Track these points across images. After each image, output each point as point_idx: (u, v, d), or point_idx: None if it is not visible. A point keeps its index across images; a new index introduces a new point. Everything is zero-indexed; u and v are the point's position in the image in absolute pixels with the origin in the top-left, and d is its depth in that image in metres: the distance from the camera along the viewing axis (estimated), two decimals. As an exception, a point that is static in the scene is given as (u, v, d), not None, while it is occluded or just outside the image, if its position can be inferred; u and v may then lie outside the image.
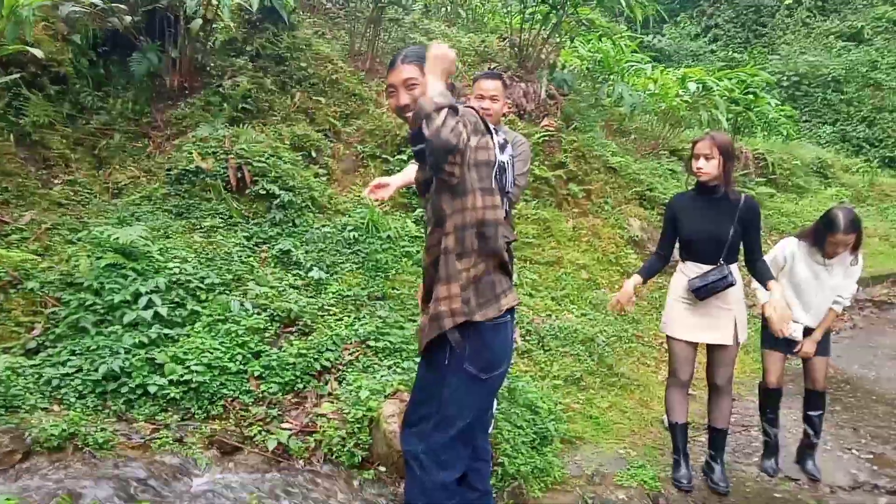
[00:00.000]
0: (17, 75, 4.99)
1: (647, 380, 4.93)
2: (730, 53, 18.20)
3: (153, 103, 6.19)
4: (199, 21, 5.81)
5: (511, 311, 2.38)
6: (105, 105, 5.91)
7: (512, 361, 4.62)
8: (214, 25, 6.28)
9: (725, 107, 9.61)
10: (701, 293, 3.47)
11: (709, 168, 3.41)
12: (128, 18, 5.78)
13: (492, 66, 7.55)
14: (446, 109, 2.03)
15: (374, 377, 3.73)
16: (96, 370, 3.56)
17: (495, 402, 2.99)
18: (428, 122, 2.02)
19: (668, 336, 3.66)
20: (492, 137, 2.32)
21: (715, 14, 19.24)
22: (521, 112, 7.06)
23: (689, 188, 3.74)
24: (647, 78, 9.30)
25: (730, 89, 9.98)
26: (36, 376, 3.54)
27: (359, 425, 3.33)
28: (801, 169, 12.24)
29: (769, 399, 3.92)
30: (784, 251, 3.86)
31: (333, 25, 7.71)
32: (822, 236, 3.59)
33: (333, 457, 3.27)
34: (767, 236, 9.50)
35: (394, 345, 4.11)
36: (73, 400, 3.47)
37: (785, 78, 16.62)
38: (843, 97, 16.57)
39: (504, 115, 3.80)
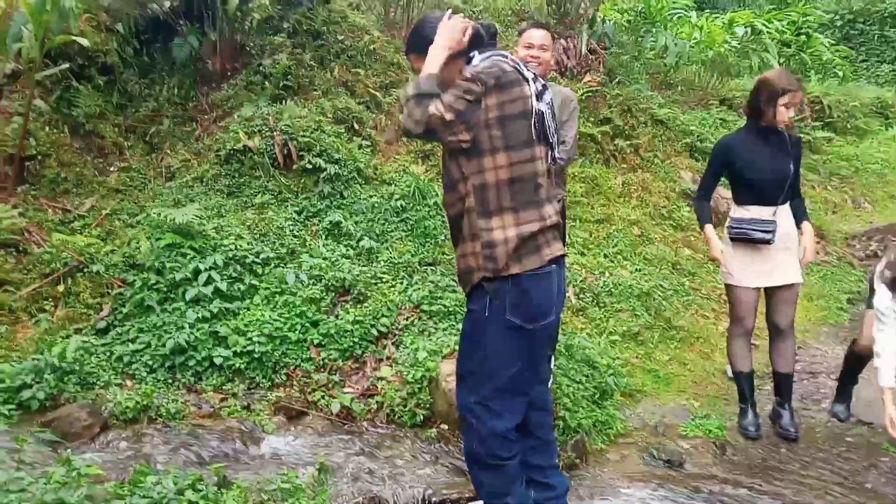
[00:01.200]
0: (66, 66, 5.12)
1: (706, 332, 4.83)
2: (772, -4, 17.34)
3: (198, 87, 6.29)
4: (236, 1, 5.85)
5: (557, 260, 2.34)
6: (152, 92, 6.04)
7: (565, 319, 4.60)
8: (251, 4, 6.31)
9: (777, 50, 9.21)
10: (748, 235, 3.42)
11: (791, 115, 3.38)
12: (167, 3, 5.87)
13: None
14: (413, 99, 2.15)
15: (431, 339, 3.76)
16: (164, 345, 3.69)
17: (553, 358, 2.94)
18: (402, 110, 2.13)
19: (729, 285, 3.56)
20: (529, 85, 2.26)
21: (760, -46, 18.33)
22: (563, 69, 6.91)
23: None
24: (692, 26, 8.96)
25: (780, 31, 9.55)
26: (107, 354, 3.69)
27: (418, 385, 3.37)
28: (859, 110, 11.66)
29: (860, 362, 3.72)
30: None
31: (364, -3, 7.66)
32: None
33: (396, 417, 3.32)
34: (828, 181, 9.14)
35: (447, 308, 4.13)
36: (144, 374, 3.62)
37: (838, 17, 15.77)
38: (902, 32, 15.65)
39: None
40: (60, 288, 4.05)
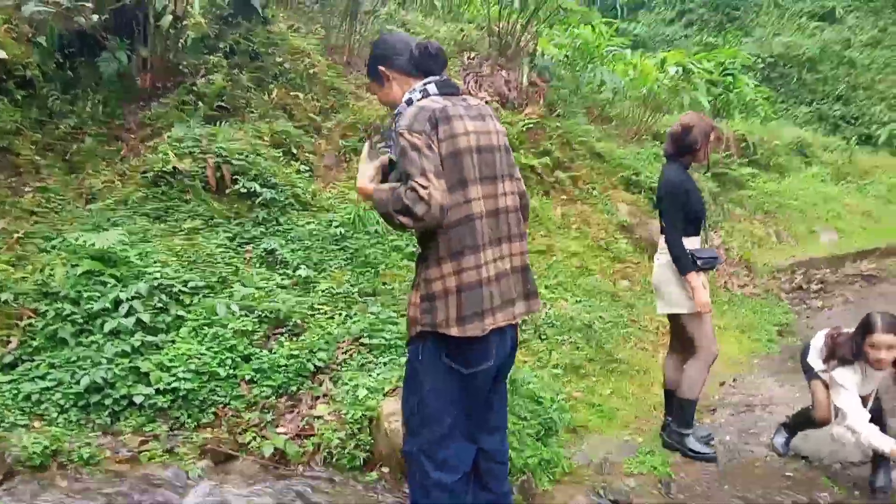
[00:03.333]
0: (-19, 79, 4.75)
1: (646, 364, 4.84)
2: (704, 38, 18.21)
3: (124, 105, 5.97)
4: (169, 17, 5.62)
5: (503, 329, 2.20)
6: (74, 108, 5.68)
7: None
8: (185, 22, 6.07)
9: (705, 89, 9.58)
10: (714, 263, 3.58)
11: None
12: (95, 17, 5.56)
13: (471, 56, 7.43)
14: (393, 217, 2.05)
15: (371, 375, 3.60)
16: (78, 382, 3.39)
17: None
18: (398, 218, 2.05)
19: (696, 315, 3.56)
20: (459, 121, 2.14)
21: (688, -1, 19.28)
22: (504, 101, 6.94)
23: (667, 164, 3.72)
24: (626, 63, 9.22)
25: (708, 71, 9.95)
26: (14, 392, 3.36)
27: (358, 426, 3.20)
28: (781, 149, 12.28)
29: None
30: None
31: (308, 20, 7.52)
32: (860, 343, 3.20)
33: (334, 460, 3.13)
34: (753, 215, 9.51)
35: (388, 341, 3.98)
36: (54, 415, 3.30)
37: (760, 60, 16.67)
38: (818, 76, 16.69)
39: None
40: (-39, 318, 3.69)
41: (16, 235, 4.39)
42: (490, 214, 2.17)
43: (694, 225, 3.61)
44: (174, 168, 5.05)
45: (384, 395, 3.31)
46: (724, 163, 10.19)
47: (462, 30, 7.90)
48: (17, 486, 2.89)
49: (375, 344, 3.96)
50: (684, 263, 3.48)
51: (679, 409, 3.70)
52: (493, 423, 2.31)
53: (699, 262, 3.50)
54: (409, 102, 2.22)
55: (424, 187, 2.00)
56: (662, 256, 3.64)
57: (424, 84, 2.24)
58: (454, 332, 2.09)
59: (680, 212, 3.51)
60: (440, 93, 2.23)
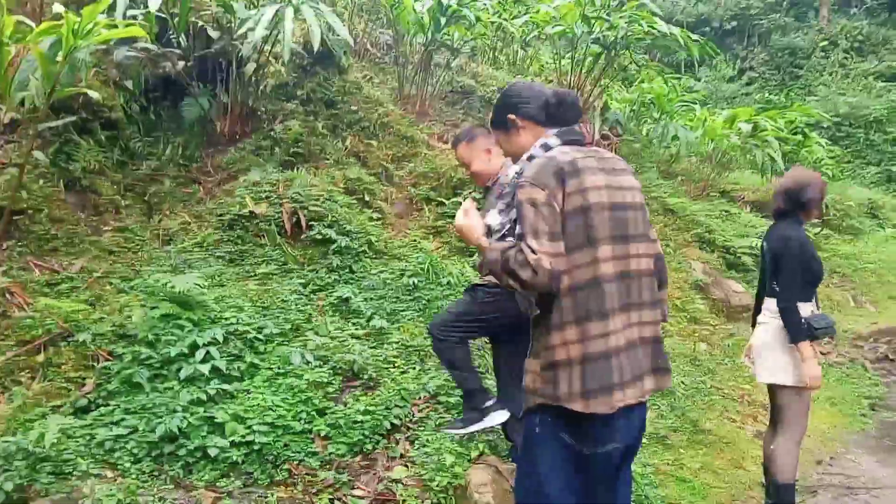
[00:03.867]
0: (72, 119, 4.87)
1: (734, 436, 4.51)
2: (766, 95, 17.96)
3: (203, 149, 6.07)
4: (253, 65, 5.72)
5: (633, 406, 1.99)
6: (155, 151, 5.80)
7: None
8: (266, 69, 6.19)
9: (778, 146, 9.32)
10: (831, 332, 3.31)
11: None
12: (181, 64, 5.70)
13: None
14: (502, 277, 1.97)
15: (452, 438, 3.39)
16: (153, 430, 3.28)
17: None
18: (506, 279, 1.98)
19: (799, 388, 3.29)
20: (588, 175, 1.98)
21: (749, 56, 19.10)
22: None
23: (779, 222, 3.49)
24: (695, 119, 9.05)
25: (779, 129, 9.70)
26: (87, 438, 3.26)
27: (444, 494, 2.99)
28: (853, 210, 11.83)
29: None
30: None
31: (380, 70, 7.62)
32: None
33: (417, 530, 2.92)
34: (829, 279, 9.07)
35: (467, 400, 3.77)
36: (127, 465, 3.18)
37: (826, 120, 16.30)
38: (886, 137, 16.19)
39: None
40: (40, 358, 3.65)
41: (95, 275, 4.40)
42: (621, 278, 1.98)
43: (810, 289, 3.36)
44: (250, 212, 5.05)
45: (471, 461, 3.10)
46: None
47: (532, 80, 7.88)
48: (88, 540, 2.76)
49: (453, 402, 3.77)
50: (798, 331, 3.22)
51: (776, 494, 3.40)
52: (615, 504, 2.08)
53: (815, 331, 3.24)
54: (531, 159, 2.10)
55: (534, 252, 1.86)
56: (772, 320, 3.38)
57: (545, 139, 2.11)
58: (578, 407, 1.89)
59: (799, 273, 3.27)
60: (563, 142, 2.09)
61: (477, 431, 3.25)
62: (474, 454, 3.12)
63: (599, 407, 1.88)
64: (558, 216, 1.93)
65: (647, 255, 2.07)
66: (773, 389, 3.48)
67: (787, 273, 3.27)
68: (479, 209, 2.96)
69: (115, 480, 3.10)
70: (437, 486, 3.00)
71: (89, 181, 5.19)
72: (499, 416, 3.20)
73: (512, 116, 2.17)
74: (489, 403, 3.22)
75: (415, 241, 5.51)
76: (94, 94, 4.53)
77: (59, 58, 4.61)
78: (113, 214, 5.20)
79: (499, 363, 3.51)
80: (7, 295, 3.94)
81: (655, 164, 8.42)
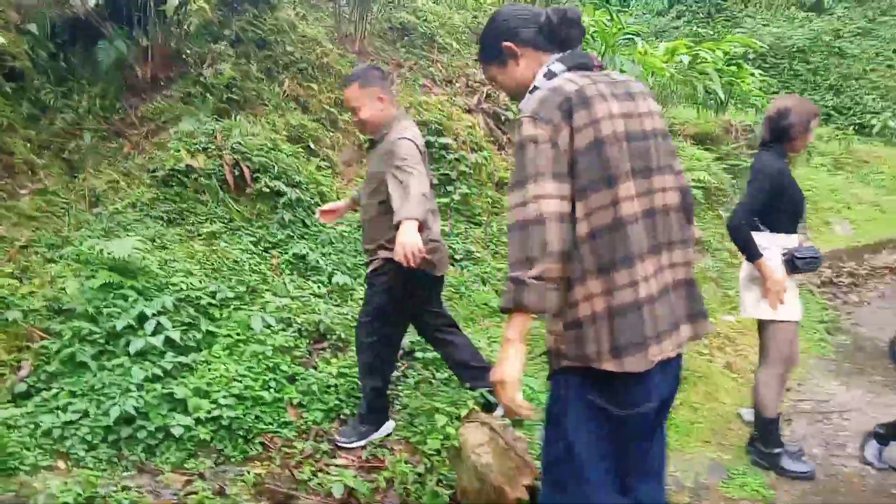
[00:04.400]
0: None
1: (706, 370, 4.53)
2: (694, 29, 18.04)
3: (124, 98, 5.49)
4: (175, 2, 5.14)
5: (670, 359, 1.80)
6: (70, 102, 5.20)
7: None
8: (188, 7, 5.60)
9: (718, 78, 9.34)
10: (817, 264, 3.23)
11: None
12: (91, 2, 5.07)
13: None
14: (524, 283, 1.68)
15: (436, 398, 3.21)
16: (106, 413, 2.95)
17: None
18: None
19: (780, 322, 3.25)
20: (601, 103, 1.72)
21: (677, -11, 19.10)
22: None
23: (748, 152, 3.43)
24: (638, 52, 8.92)
25: (717, 60, 9.71)
26: (31, 427, 2.91)
27: (438, 458, 2.82)
28: (783, 139, 12.13)
29: None
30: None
31: (313, 7, 7.08)
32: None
33: (412, 497, 2.74)
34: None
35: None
36: (81, 453, 2.86)
37: (751, 50, 16.57)
38: (808, 67, 16.62)
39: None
40: (-38, 340, 3.23)
41: (17, 244, 3.93)
42: (646, 216, 1.77)
43: (792, 220, 3.29)
44: (187, 166, 4.61)
45: (458, 418, 2.93)
46: (733, 153, 9.98)
47: (475, 17, 7.52)
48: (46, 542, 2.46)
49: (430, 358, 3.59)
50: (750, 249, 3.17)
51: (761, 429, 3.41)
52: (649, 469, 1.94)
53: (799, 263, 3.19)
54: (533, 91, 1.84)
55: (536, 197, 1.66)
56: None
57: (548, 65, 1.85)
58: (610, 366, 1.70)
59: (767, 197, 3.16)
60: (568, 68, 1.83)
61: (372, 441, 3.13)
62: (463, 412, 2.94)
63: (634, 365, 1.70)
64: (563, 156, 1.70)
65: (673, 188, 1.86)
66: (759, 324, 3.46)
67: (749, 192, 3.20)
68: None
69: (70, 471, 2.78)
70: (429, 448, 2.82)
71: (-2, 140, 4.62)
72: (391, 424, 3.20)
73: (508, 44, 1.89)
74: (385, 428, 3.17)
75: (368, 189, 5.19)
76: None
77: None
78: (29, 175, 4.65)
79: (433, 335, 3.29)
80: (-86, 273, 3.45)
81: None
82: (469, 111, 5.99)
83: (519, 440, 2.78)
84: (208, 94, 5.36)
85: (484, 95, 6.08)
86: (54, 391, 3.07)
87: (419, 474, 2.77)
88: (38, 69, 5.12)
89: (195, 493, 2.75)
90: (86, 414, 2.97)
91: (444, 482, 2.75)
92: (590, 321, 1.72)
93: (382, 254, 2.93)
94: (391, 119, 2.96)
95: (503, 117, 6.12)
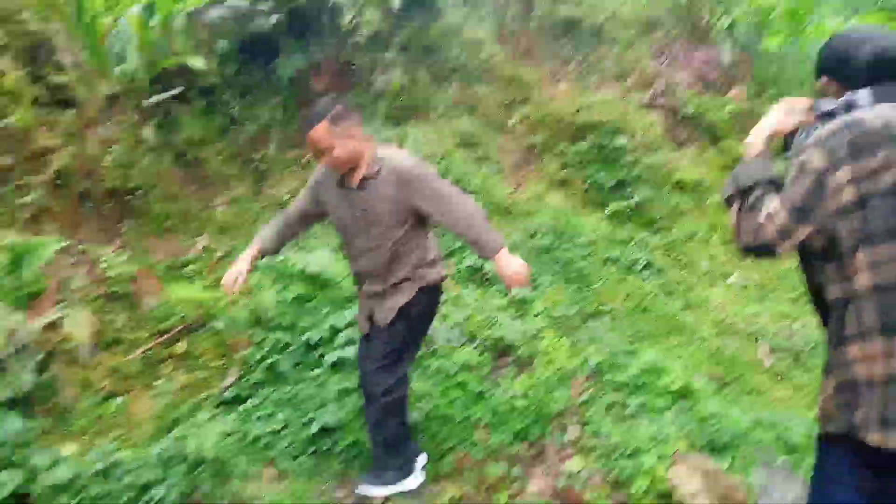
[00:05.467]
0: (176, 91, 4.60)
1: None
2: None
3: (301, 109, 5.74)
4: (349, 15, 5.28)
5: None
6: (254, 115, 5.51)
7: (762, 385, 3.82)
8: (359, 19, 5.74)
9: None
10: None
11: None
12: (273, 18, 5.33)
13: (659, 35, 6.62)
14: (736, 202, 1.65)
15: (628, 425, 3.01)
16: (307, 425, 3.04)
17: None
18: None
19: None
20: None
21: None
22: (704, 84, 6.13)
23: None
24: (825, 29, 8.03)
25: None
26: (241, 435, 3.06)
27: (644, 500, 2.62)
28: None
29: None
30: None
31: (475, 7, 7.02)
32: None
33: (616, 537, 2.58)
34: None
35: (635, 379, 3.38)
36: (285, 463, 2.97)
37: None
38: None
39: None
40: (178, 348, 3.47)
41: (216, 255, 4.19)
42: None
43: None
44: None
45: (671, 459, 2.71)
46: None
47: (646, 5, 7.10)
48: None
49: (620, 382, 3.38)
50: None
51: None
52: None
53: None
54: (827, 116, 1.61)
55: (767, 225, 1.55)
56: None
57: (851, 94, 1.60)
58: (874, 438, 1.47)
59: None
60: (877, 100, 1.57)
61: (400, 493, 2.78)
62: (669, 450, 2.72)
63: None
64: (826, 196, 1.48)
65: None
66: None
67: None
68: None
69: (277, 481, 2.89)
70: (638, 489, 2.63)
71: (194, 153, 4.97)
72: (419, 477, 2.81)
73: (825, 80, 1.70)
74: (421, 459, 2.84)
75: (538, 194, 5.06)
76: (197, 63, 4.23)
77: (155, 23, 4.32)
78: (222, 186, 4.97)
79: None
80: (134, 282, 3.77)
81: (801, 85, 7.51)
82: (645, 108, 5.66)
83: (736, 487, 2.52)
84: (380, 102, 5.46)
85: (661, 90, 5.71)
86: (259, 400, 3.21)
87: (624, 514, 2.59)
88: (227, 84, 5.47)
89: (395, 511, 2.76)
90: (287, 425, 3.08)
91: (653, 525, 2.56)
92: (865, 385, 1.49)
93: (409, 286, 2.59)
94: (372, 152, 2.52)
95: (682, 113, 5.73)
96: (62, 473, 2.70)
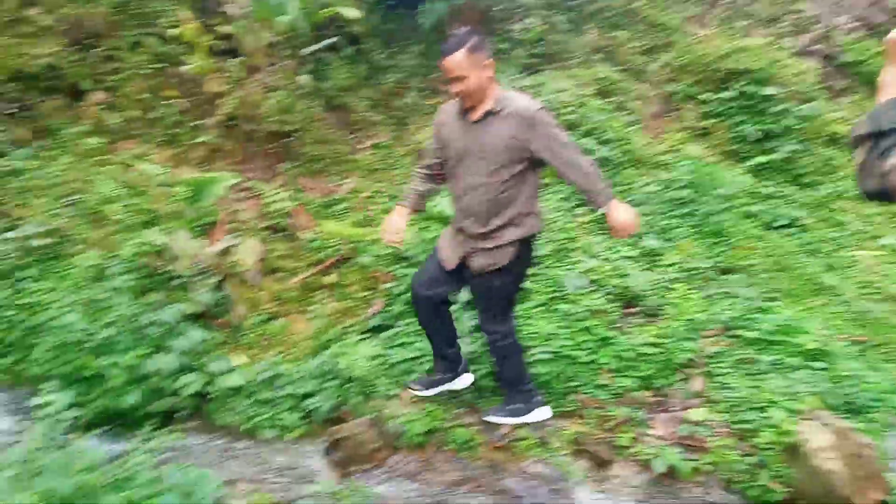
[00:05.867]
0: (332, 40, 4.89)
1: None
2: None
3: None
4: (491, -40, 5.30)
5: None
6: (396, 63, 5.74)
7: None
8: (500, -37, 5.75)
9: None
10: None
11: None
12: (418, -35, 5.46)
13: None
14: (866, 143, 1.39)
15: (758, 379, 3.01)
16: (441, 355, 3.30)
17: None
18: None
19: None
20: None
21: None
22: (870, 27, 5.60)
23: None
24: None
25: None
26: (383, 359, 3.38)
27: (769, 452, 2.66)
28: None
29: None
30: None
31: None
32: None
33: (733, 486, 2.64)
34: None
35: (769, 335, 3.34)
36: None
37: None
38: None
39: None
40: (330, 279, 3.84)
41: (363, 194, 4.50)
42: None
43: None
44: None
45: (800, 416, 2.71)
46: None
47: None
48: (399, 465, 2.88)
49: (753, 338, 3.35)
50: None
51: None
52: None
53: None
54: None
55: None
56: None
57: None
58: None
59: None
60: None
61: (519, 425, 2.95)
62: (800, 406, 2.72)
63: None
64: None
65: None
66: None
67: None
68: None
69: (414, 403, 3.19)
70: (764, 442, 2.67)
71: (342, 100, 5.29)
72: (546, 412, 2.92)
73: None
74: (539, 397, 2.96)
75: (677, 145, 4.94)
76: (352, 13, 4.47)
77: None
78: (367, 132, 5.28)
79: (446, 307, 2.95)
80: (292, 217, 4.16)
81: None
82: (798, 55, 5.29)
83: (867, 447, 2.49)
84: (517, 50, 5.49)
85: (818, 35, 5.31)
86: (399, 329, 3.51)
87: (750, 466, 2.64)
88: (372, 33, 5.71)
89: (520, 439, 2.98)
90: (424, 353, 3.35)
91: (782, 480, 2.59)
92: None
93: (509, 234, 2.61)
94: (495, 88, 2.55)
95: (840, 61, 5.30)
96: (235, 379, 3.15)
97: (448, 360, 3.02)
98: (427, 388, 3.03)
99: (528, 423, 2.99)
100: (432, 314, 2.87)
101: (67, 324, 3.06)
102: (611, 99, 5.14)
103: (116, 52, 4.91)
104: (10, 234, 3.62)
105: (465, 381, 3.08)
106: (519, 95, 2.59)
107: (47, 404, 2.01)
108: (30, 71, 4.79)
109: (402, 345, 3.41)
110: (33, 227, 3.62)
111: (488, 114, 2.52)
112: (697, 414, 3.02)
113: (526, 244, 2.67)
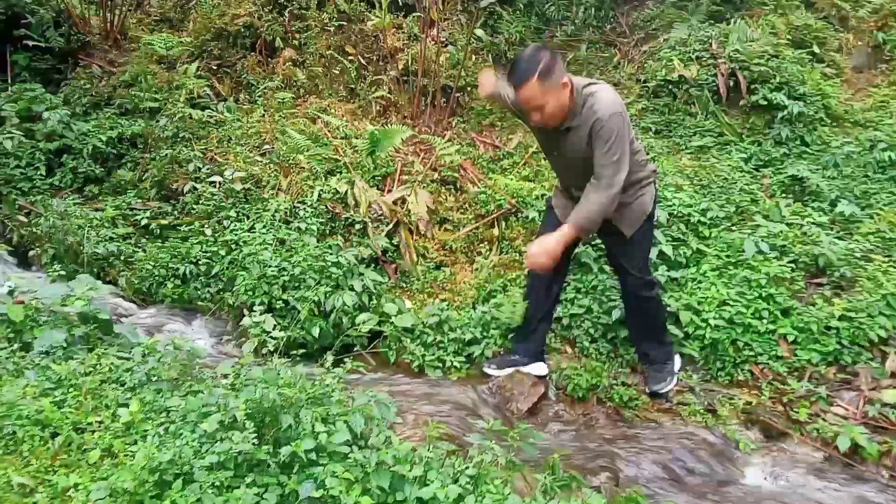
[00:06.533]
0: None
1: None
2: None
3: (615, 8, 5.67)
4: None
5: None
6: (569, 14, 5.60)
7: None
8: None
9: None
10: None
11: None
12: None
13: None
14: None
15: None
16: (607, 313, 3.27)
17: None
18: None
19: None
20: None
21: None
22: None
23: None
24: None
25: None
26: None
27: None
28: None
29: None
30: None
31: None
32: None
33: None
34: None
35: None
36: (585, 343, 3.25)
37: None
38: None
39: None
40: (495, 231, 3.91)
41: (530, 150, 4.50)
42: None
43: None
44: (679, 76, 4.56)
45: None
46: None
47: None
48: (561, 416, 2.92)
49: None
50: None
51: None
52: None
53: None
54: None
55: None
56: None
57: None
58: None
59: None
60: None
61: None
62: None
63: None
64: None
65: None
66: None
67: None
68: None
69: (575, 357, 3.21)
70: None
71: (513, 53, 5.27)
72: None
73: None
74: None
75: (883, 102, 4.41)
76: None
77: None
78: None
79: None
80: (461, 171, 4.27)
81: None
82: None
83: None
84: (702, -3, 5.14)
85: None
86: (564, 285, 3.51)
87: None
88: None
89: (686, 404, 2.90)
90: (589, 310, 3.33)
91: None
92: None
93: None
94: (575, 96, 2.51)
95: None
96: (406, 321, 3.34)
97: (531, 340, 3.04)
98: (500, 368, 3.05)
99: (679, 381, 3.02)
100: (546, 281, 2.93)
101: (263, 260, 3.39)
102: (808, 49, 4.67)
103: (305, 11, 5.24)
104: (215, 178, 4.06)
105: (538, 369, 3.04)
106: (599, 95, 2.54)
107: (258, 324, 2.27)
108: (231, 30, 5.27)
109: (565, 301, 3.40)
110: (233, 172, 4.03)
111: (567, 129, 2.58)
112: (891, 395, 2.75)
113: (641, 195, 2.76)
